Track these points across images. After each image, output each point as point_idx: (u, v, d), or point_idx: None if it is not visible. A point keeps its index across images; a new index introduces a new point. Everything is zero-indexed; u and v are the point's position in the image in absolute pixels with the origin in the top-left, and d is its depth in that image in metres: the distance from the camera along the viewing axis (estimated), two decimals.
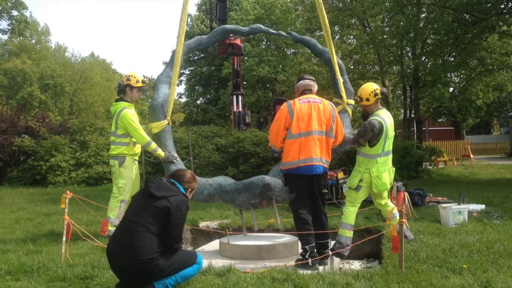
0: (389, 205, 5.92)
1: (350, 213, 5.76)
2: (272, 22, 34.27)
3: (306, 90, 5.29)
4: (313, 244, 5.04)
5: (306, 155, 5.00)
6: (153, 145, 6.27)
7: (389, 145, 5.80)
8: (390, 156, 5.86)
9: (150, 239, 3.92)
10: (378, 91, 5.82)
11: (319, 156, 5.06)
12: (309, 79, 5.39)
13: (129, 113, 6.50)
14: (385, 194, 5.91)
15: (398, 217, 5.67)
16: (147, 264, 3.86)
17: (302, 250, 5.09)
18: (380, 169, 5.71)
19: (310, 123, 5.03)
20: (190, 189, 4.39)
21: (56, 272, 4.67)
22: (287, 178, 5.23)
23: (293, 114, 5.04)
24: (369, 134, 5.63)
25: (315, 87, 5.39)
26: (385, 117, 5.75)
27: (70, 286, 4.35)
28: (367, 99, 5.81)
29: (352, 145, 5.91)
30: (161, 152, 6.14)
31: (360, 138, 5.71)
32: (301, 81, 5.35)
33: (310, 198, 5.16)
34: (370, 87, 5.86)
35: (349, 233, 5.74)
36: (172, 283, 4.05)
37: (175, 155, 6.09)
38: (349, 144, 5.89)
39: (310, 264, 4.94)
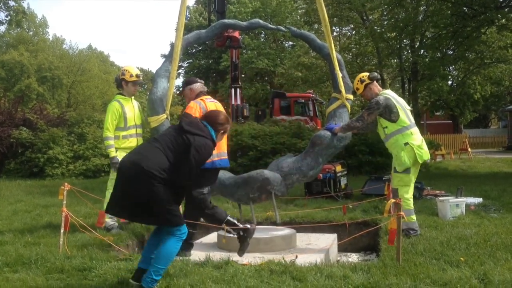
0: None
1: (409, 198, 5.67)
2: (268, 15, 34.19)
3: (202, 92, 5.63)
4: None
5: (220, 150, 5.31)
6: (110, 142, 6.42)
7: (412, 118, 5.82)
8: (418, 129, 5.85)
9: (161, 158, 3.84)
10: (365, 77, 5.86)
11: (225, 150, 5.48)
12: (201, 82, 5.77)
13: (112, 104, 6.55)
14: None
15: (414, 216, 5.75)
16: (147, 177, 3.72)
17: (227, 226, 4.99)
18: (418, 138, 5.68)
19: None
20: (222, 131, 4.32)
21: (54, 264, 4.67)
22: (207, 173, 5.10)
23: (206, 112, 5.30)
24: (375, 110, 5.64)
25: None
26: (391, 93, 5.83)
27: (68, 277, 4.36)
28: (357, 88, 5.95)
29: (356, 124, 5.80)
30: (111, 152, 6.36)
31: (365, 113, 5.73)
32: (195, 84, 5.68)
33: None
34: (357, 77, 5.98)
35: (414, 217, 5.76)
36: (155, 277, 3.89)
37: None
38: (353, 124, 5.83)
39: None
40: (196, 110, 5.27)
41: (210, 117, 4.30)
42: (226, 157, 5.49)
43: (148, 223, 3.95)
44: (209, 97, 5.61)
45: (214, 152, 4.98)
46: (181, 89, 44.18)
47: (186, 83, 5.80)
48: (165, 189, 3.80)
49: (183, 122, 4.10)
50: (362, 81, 5.85)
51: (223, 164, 5.40)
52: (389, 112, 5.65)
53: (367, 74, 5.94)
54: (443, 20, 17.39)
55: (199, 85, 5.68)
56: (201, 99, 5.45)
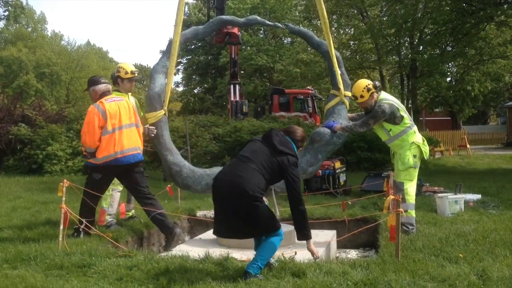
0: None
1: (413, 192, 5.87)
2: (267, 11, 34.15)
3: (106, 92, 5.75)
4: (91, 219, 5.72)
5: (122, 147, 5.47)
6: None
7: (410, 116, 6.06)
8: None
9: (259, 178, 4.06)
10: (371, 86, 5.87)
11: (134, 146, 5.60)
12: (106, 82, 5.89)
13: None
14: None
15: (413, 210, 5.86)
16: (252, 200, 3.96)
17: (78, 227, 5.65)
18: (419, 136, 5.92)
19: (121, 118, 5.54)
20: (300, 148, 4.62)
21: (54, 260, 4.67)
22: (102, 169, 5.53)
23: (105, 113, 5.45)
24: (380, 118, 5.77)
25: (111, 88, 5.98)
26: (389, 97, 5.95)
27: (67, 274, 4.36)
28: (362, 96, 5.87)
29: (360, 130, 6.00)
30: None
31: (370, 120, 5.81)
32: (100, 85, 5.80)
33: (131, 185, 5.76)
34: (362, 84, 5.93)
35: (414, 212, 5.90)
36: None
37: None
38: (356, 129, 5.96)
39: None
40: (94, 113, 5.45)
41: (291, 134, 4.53)
42: (132, 152, 5.58)
43: (254, 236, 4.36)
44: (112, 96, 5.69)
45: (118, 149, 5.43)
46: (179, 84, 43.78)
47: (90, 84, 5.86)
48: (264, 204, 4.09)
49: (275, 141, 4.27)
50: (368, 89, 5.82)
51: (126, 161, 5.53)
52: (394, 117, 5.81)
53: (371, 82, 5.93)
54: (442, 17, 17.38)
55: (102, 86, 5.75)
56: (100, 101, 5.53)
